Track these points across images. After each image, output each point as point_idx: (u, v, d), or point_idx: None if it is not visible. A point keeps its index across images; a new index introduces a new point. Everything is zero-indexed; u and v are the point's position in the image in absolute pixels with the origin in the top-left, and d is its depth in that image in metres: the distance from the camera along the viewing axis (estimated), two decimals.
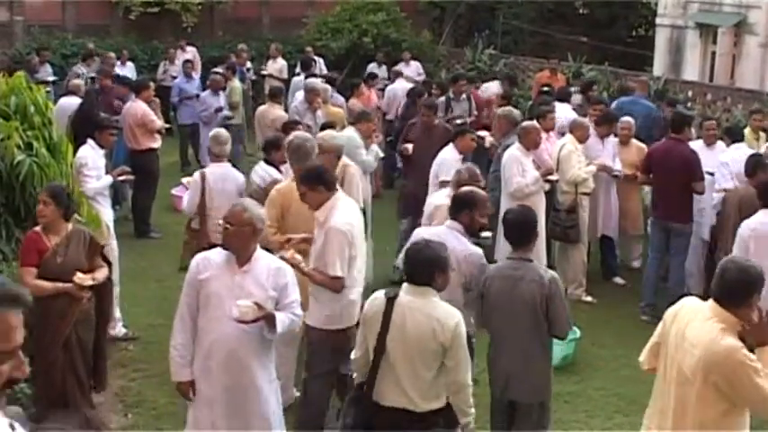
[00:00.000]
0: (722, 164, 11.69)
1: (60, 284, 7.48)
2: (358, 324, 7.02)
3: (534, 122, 11.91)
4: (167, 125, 15.25)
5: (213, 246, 7.28)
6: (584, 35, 28.97)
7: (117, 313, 10.06)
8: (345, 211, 7.64)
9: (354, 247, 7.54)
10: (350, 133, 11.84)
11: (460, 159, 11.57)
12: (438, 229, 7.74)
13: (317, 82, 15.35)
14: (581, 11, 30.45)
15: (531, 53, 27.33)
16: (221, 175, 10.24)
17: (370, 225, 11.84)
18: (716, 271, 5.60)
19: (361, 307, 6.88)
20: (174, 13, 25.99)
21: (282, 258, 7.18)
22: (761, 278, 5.49)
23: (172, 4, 25.75)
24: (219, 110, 17.45)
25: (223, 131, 10.93)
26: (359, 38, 25.94)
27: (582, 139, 12.26)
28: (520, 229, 7.16)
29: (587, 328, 10.60)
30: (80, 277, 7.56)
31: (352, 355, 6.69)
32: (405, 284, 6.24)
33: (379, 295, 6.31)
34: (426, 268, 6.13)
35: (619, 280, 12.84)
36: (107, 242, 8.55)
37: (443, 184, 10.48)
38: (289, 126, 11.66)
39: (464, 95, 16.74)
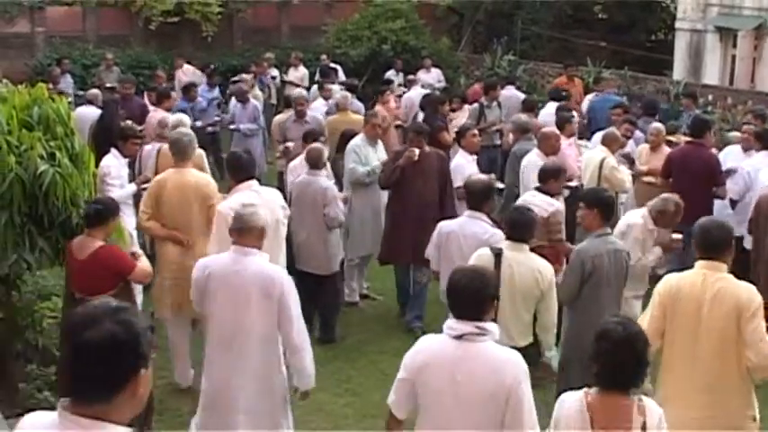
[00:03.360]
0: (746, 172, 11.56)
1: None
2: None
3: (553, 128, 11.88)
4: None
5: None
6: (603, 40, 28.94)
7: None
8: (238, 197, 8.47)
9: None
10: (356, 140, 11.85)
11: (474, 160, 11.58)
12: (459, 220, 8.77)
13: (301, 91, 15.26)
14: (600, 15, 30.39)
15: (550, 58, 27.31)
16: None
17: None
18: (696, 235, 6.65)
19: None
20: (193, 22, 26.10)
21: None
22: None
23: (192, 14, 25.86)
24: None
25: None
26: (378, 45, 26.00)
27: (614, 152, 12.17)
28: (612, 207, 8.18)
29: None
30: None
31: None
32: (505, 241, 7.66)
33: (485, 252, 7.57)
34: (527, 228, 7.59)
35: None
36: (131, 250, 8.60)
37: (458, 190, 10.57)
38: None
39: (495, 102, 16.69)
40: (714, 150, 12.41)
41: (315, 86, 19.84)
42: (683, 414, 6.19)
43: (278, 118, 15.55)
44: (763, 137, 12.16)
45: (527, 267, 7.46)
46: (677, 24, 26.77)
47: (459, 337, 5.19)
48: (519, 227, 7.59)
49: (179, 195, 9.12)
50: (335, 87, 18.18)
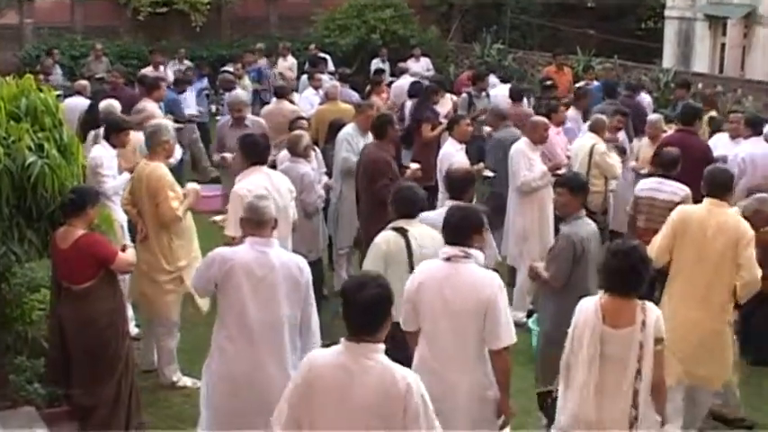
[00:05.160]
0: (740, 158, 11.54)
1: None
2: None
3: (542, 117, 11.87)
4: (179, 124, 15.05)
5: None
6: (592, 28, 28.92)
7: (130, 312, 10.07)
8: (252, 180, 8.91)
9: None
10: (348, 129, 11.80)
11: (462, 149, 11.55)
12: (441, 210, 8.34)
13: (241, 94, 14.55)
14: (589, 4, 30.37)
15: (539, 47, 27.34)
16: None
17: None
18: (705, 177, 8.30)
19: None
20: (182, 12, 26.06)
21: (214, 222, 9.27)
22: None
23: (180, 4, 25.82)
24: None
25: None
26: (367, 34, 25.99)
27: (604, 138, 12.20)
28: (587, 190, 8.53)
29: None
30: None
31: None
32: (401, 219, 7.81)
33: (389, 233, 7.69)
34: (417, 203, 7.84)
35: None
36: (121, 242, 8.60)
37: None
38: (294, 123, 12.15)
39: (484, 92, 16.66)
40: None
41: (304, 76, 19.78)
42: (684, 313, 7.95)
43: (219, 124, 14.31)
44: (754, 123, 12.18)
45: (427, 237, 7.59)
46: (666, 12, 26.77)
47: (447, 259, 6.45)
48: (412, 202, 7.80)
49: (137, 187, 9.32)
50: (325, 77, 18.17)
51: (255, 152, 9.28)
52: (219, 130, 13.29)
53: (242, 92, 14.83)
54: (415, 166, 11.56)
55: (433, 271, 6.50)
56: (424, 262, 6.73)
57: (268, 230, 6.94)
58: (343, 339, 5.06)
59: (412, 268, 7.20)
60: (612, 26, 29.07)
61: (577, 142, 12.42)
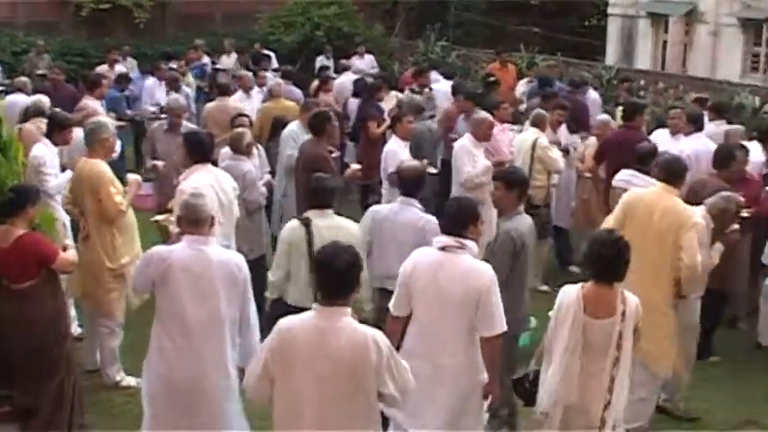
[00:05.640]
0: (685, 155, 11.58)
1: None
2: None
3: (486, 114, 11.90)
4: (121, 122, 14.88)
5: None
6: (536, 25, 29.04)
7: (72, 312, 9.97)
8: (197, 177, 8.92)
9: None
10: (293, 127, 11.79)
11: (406, 146, 11.54)
12: (393, 206, 8.64)
13: (178, 99, 13.60)
14: (533, 1, 30.51)
15: (483, 44, 27.36)
16: None
17: None
18: (660, 163, 8.80)
19: None
20: (125, 9, 25.87)
21: (156, 221, 8.81)
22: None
23: (123, 1, 25.60)
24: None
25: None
26: (311, 32, 25.93)
27: (545, 132, 12.28)
28: (527, 187, 8.66)
29: (543, 318, 10.54)
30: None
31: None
32: (310, 210, 8.08)
33: (294, 223, 8.04)
34: (329, 194, 8.12)
35: (574, 269, 12.85)
36: (63, 242, 8.49)
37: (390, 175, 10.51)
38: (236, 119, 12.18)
39: (426, 88, 16.66)
40: None
41: (249, 74, 19.68)
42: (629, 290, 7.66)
43: (152, 127, 13.22)
44: (695, 119, 12.29)
45: (335, 228, 7.87)
46: (609, 10, 27.02)
47: (442, 248, 6.70)
48: (321, 194, 8.13)
49: (78, 184, 9.25)
50: (269, 74, 18.11)
51: (201, 150, 9.28)
52: (152, 135, 12.36)
53: (182, 99, 14.67)
54: (355, 166, 11.57)
55: (427, 258, 6.77)
56: (419, 249, 6.97)
57: (205, 228, 6.87)
58: (315, 304, 5.58)
59: (311, 258, 7.52)
60: (556, 23, 29.22)
61: (520, 137, 12.45)
